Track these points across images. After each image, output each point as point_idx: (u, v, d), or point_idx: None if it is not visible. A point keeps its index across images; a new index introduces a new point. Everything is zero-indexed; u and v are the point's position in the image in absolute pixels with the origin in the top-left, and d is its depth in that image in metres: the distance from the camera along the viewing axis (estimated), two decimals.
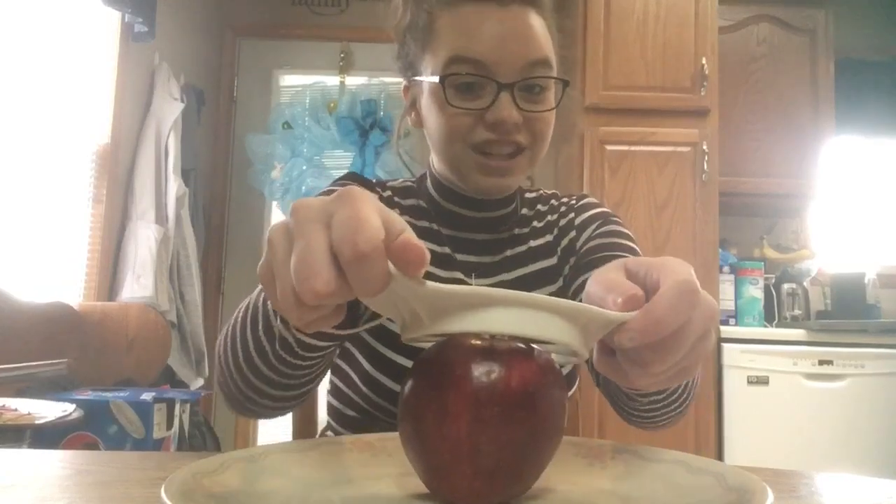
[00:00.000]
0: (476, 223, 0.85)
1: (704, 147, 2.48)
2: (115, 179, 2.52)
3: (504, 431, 0.37)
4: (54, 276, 2.30)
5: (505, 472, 0.38)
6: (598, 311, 0.38)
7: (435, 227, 0.86)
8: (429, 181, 0.88)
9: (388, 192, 0.88)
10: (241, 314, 0.61)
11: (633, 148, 2.50)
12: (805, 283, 2.84)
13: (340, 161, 3.25)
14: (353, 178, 0.86)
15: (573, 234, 0.88)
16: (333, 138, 3.23)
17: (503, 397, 0.37)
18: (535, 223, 0.90)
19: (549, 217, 0.91)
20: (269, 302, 0.55)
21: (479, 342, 0.40)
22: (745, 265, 2.71)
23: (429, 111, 0.80)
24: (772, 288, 2.80)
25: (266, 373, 0.59)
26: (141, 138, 2.64)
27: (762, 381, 2.38)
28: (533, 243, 0.88)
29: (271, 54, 3.40)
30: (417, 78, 0.83)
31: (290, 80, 3.43)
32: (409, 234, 0.35)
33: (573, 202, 0.92)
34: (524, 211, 0.90)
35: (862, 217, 3.22)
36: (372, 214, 0.34)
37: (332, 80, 3.35)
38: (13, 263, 2.09)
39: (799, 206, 3.01)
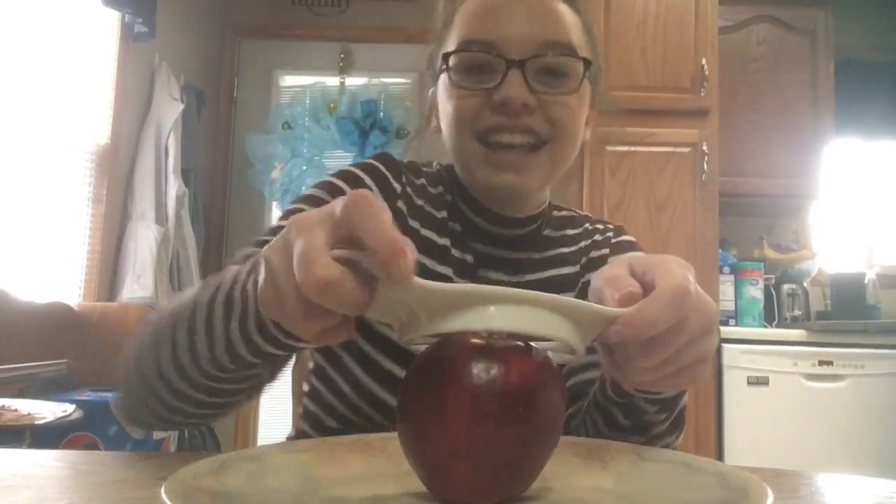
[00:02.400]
0: (494, 238, 0.78)
1: (704, 147, 2.48)
2: (114, 179, 2.52)
3: (503, 428, 0.37)
4: (54, 276, 2.30)
5: (504, 469, 0.38)
6: (592, 306, 0.38)
7: (459, 228, 0.78)
8: (452, 181, 0.81)
9: (422, 180, 0.80)
10: (180, 320, 0.53)
11: (633, 148, 2.50)
12: (805, 284, 2.84)
13: (340, 161, 3.25)
14: (384, 158, 0.79)
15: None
16: (333, 139, 3.23)
17: (502, 394, 0.37)
18: (561, 248, 0.81)
19: (582, 243, 0.82)
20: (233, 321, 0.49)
21: (476, 340, 0.40)
22: (745, 265, 2.71)
23: (442, 106, 0.74)
24: (772, 288, 2.80)
25: (199, 379, 0.53)
26: (141, 138, 2.64)
27: (762, 381, 2.38)
28: (555, 272, 0.79)
29: (271, 54, 3.40)
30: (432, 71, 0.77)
31: (290, 81, 3.43)
32: (392, 238, 0.34)
33: (610, 234, 0.84)
34: (547, 232, 0.81)
35: (862, 217, 3.22)
36: (316, 256, 0.34)
37: (332, 81, 3.35)
38: (13, 263, 2.09)
39: (799, 206, 3.01)
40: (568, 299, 0.38)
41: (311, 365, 0.82)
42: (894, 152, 3.25)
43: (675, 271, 0.40)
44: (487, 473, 0.38)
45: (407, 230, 0.75)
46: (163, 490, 0.33)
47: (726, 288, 2.63)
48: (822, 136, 2.88)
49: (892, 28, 3.22)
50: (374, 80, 3.30)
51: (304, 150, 3.22)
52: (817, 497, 0.51)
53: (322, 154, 3.26)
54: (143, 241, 2.49)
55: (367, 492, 0.43)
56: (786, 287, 2.80)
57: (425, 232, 0.76)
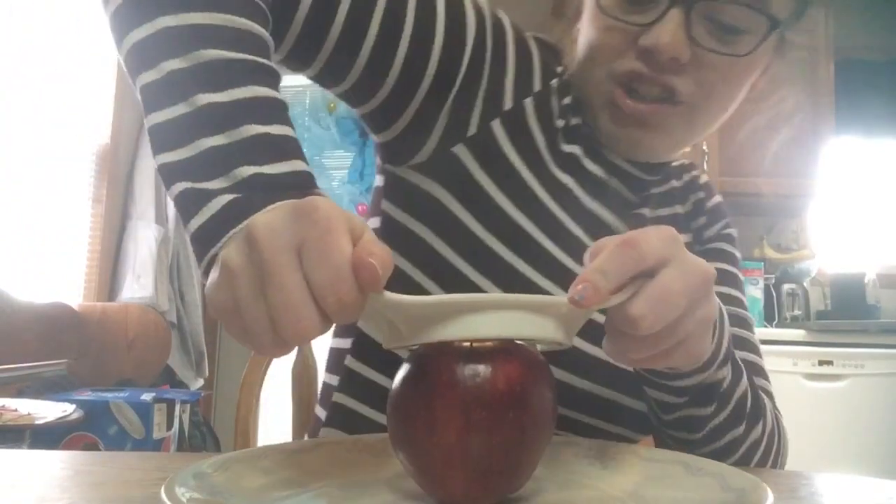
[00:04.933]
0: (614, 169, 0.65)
1: (704, 147, 2.48)
2: (115, 179, 2.52)
3: (495, 434, 0.37)
4: (54, 277, 2.30)
5: (499, 472, 0.38)
6: (561, 300, 0.37)
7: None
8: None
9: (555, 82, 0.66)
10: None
11: None
12: (805, 284, 2.84)
13: (341, 161, 3.25)
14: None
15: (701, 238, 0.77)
16: (333, 138, 3.23)
17: (491, 400, 0.37)
18: (654, 189, 0.72)
19: (691, 196, 0.78)
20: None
21: (461, 345, 0.39)
22: (745, 265, 2.71)
23: (584, 26, 0.61)
24: (772, 288, 2.80)
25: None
26: (141, 138, 2.64)
27: None
28: (662, 212, 0.73)
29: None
30: None
31: (290, 81, 3.42)
32: (366, 246, 0.33)
33: (702, 195, 0.79)
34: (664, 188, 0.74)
35: (862, 217, 3.22)
36: (343, 245, 0.32)
37: None
38: (13, 263, 2.09)
39: (799, 206, 3.01)
40: (539, 298, 0.37)
41: (342, 345, 0.63)
42: (894, 152, 3.25)
43: (635, 235, 0.38)
44: (482, 478, 0.38)
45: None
46: (163, 490, 0.34)
47: None
48: (821, 135, 2.88)
49: (892, 28, 3.22)
50: None
51: (305, 150, 3.21)
52: (817, 497, 0.51)
53: (322, 154, 3.26)
54: (144, 241, 2.49)
55: (368, 493, 0.43)
56: (786, 287, 2.80)
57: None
